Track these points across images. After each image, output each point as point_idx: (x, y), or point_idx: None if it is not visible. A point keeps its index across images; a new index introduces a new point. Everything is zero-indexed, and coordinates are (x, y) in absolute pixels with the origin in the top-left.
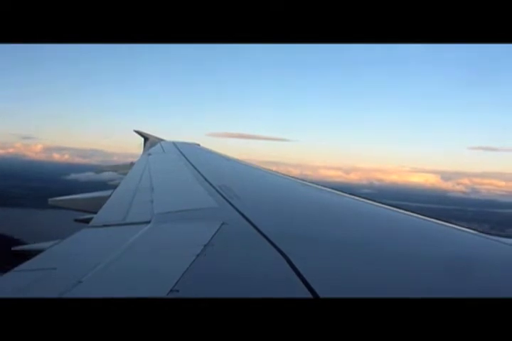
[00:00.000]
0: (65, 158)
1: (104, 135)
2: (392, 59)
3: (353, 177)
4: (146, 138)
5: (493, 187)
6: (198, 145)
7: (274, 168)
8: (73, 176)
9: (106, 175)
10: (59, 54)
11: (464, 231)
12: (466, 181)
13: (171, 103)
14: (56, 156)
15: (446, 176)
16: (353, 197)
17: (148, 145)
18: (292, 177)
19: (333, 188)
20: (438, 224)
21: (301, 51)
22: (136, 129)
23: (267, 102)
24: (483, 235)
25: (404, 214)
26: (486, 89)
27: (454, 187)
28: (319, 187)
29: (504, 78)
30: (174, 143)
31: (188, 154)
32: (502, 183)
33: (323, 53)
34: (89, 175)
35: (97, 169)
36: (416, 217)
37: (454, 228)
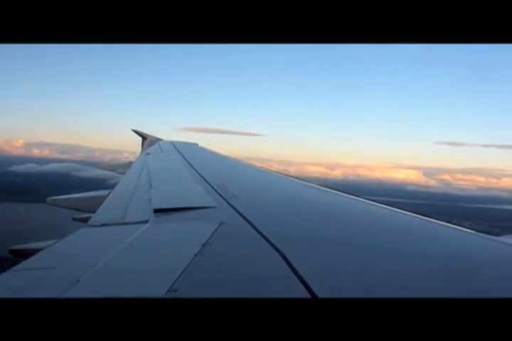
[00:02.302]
0: (45, 153)
1: (89, 131)
2: (369, 57)
3: (332, 173)
4: (144, 137)
5: (474, 183)
6: (197, 144)
7: (260, 165)
8: (14, 168)
9: (48, 167)
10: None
11: (462, 231)
12: (447, 177)
13: (140, 97)
14: (35, 151)
15: (428, 172)
16: (351, 196)
17: (146, 145)
18: (290, 176)
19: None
20: (437, 223)
21: (274, 48)
22: (134, 128)
23: (236, 97)
24: (483, 235)
25: (404, 213)
26: (446, 85)
27: (431, 182)
28: (318, 186)
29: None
30: (172, 143)
31: (186, 154)
32: (482, 179)
33: (298, 50)
34: (30, 166)
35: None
36: (415, 216)
37: (454, 228)
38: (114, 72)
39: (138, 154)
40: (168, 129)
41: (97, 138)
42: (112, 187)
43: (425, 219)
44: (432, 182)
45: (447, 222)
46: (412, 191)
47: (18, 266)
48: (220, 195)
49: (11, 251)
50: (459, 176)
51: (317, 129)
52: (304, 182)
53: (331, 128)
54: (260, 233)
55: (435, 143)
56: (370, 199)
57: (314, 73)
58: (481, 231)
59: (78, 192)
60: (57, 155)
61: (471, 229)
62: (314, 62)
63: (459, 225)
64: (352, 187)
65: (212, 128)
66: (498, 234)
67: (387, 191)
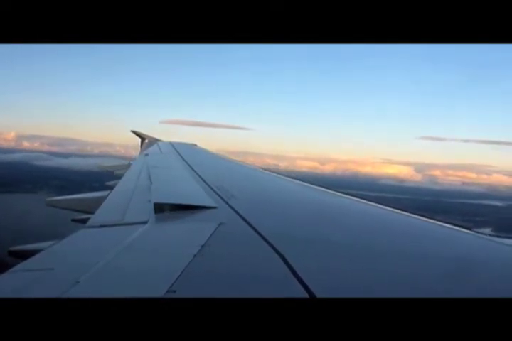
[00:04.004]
0: (35, 145)
1: (81, 124)
2: (358, 54)
3: (323, 168)
4: (142, 138)
5: (465, 179)
6: (196, 145)
7: (250, 159)
8: None
9: (12, 156)
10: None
11: (461, 231)
12: (438, 173)
13: (124, 89)
14: (25, 144)
15: (419, 168)
16: (350, 197)
17: (145, 146)
18: (289, 177)
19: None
20: (436, 224)
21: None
22: (133, 130)
23: (222, 90)
24: (482, 236)
25: (402, 214)
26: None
27: (422, 178)
28: (316, 187)
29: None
30: (171, 144)
31: (185, 155)
32: (473, 175)
33: (288, 46)
34: None
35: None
36: (413, 217)
37: (453, 229)
38: (103, 66)
39: (129, 148)
40: (154, 122)
41: (89, 131)
42: (111, 188)
43: (424, 220)
44: (420, 178)
45: (423, 215)
46: (394, 185)
47: (17, 267)
48: (219, 196)
49: (10, 252)
50: (450, 172)
51: (304, 125)
52: (303, 183)
53: (319, 124)
54: (259, 234)
55: (418, 138)
56: (349, 194)
57: (302, 70)
58: (453, 225)
59: (37, 179)
60: (46, 148)
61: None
62: (303, 58)
63: (434, 219)
64: (338, 182)
65: (199, 122)
66: (469, 228)
67: (375, 186)
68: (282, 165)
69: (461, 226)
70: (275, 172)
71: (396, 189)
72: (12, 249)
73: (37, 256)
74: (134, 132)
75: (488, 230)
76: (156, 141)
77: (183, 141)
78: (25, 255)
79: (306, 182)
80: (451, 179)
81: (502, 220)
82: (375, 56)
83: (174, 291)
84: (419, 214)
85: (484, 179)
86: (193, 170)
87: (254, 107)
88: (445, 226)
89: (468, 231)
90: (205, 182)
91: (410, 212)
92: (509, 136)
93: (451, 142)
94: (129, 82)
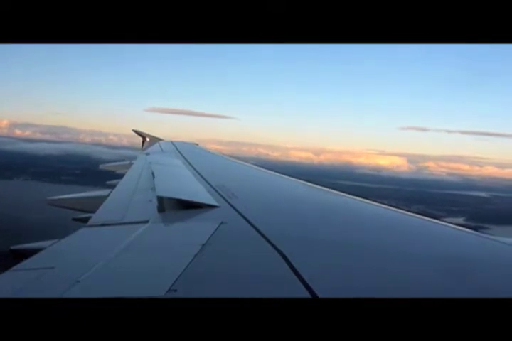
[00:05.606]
0: (26, 134)
1: (74, 113)
2: (349, 46)
3: (315, 159)
4: (144, 137)
5: (458, 171)
6: (197, 144)
7: (244, 149)
8: None
9: None
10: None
11: (461, 230)
12: (432, 164)
13: (108, 76)
14: (17, 132)
15: (412, 159)
16: (351, 196)
17: (146, 145)
18: (290, 176)
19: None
20: (438, 224)
21: None
22: (134, 129)
23: (206, 78)
24: (482, 235)
25: (403, 213)
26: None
27: (412, 169)
28: (317, 186)
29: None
30: (173, 143)
31: (186, 154)
32: (466, 167)
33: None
34: None
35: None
36: (414, 216)
37: (454, 228)
38: (87, 54)
39: (121, 136)
40: (139, 110)
41: (83, 120)
42: (112, 187)
43: (424, 219)
44: (414, 169)
45: (396, 206)
46: (390, 177)
47: (18, 266)
48: (221, 195)
49: (11, 251)
50: (443, 163)
51: (291, 116)
52: (304, 183)
53: (306, 115)
54: (261, 233)
55: (400, 128)
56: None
57: (288, 60)
58: (426, 215)
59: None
60: (38, 136)
61: (417, 213)
62: (291, 48)
63: (409, 209)
64: (330, 173)
65: (181, 110)
66: (441, 217)
67: (363, 177)
68: (275, 155)
69: (431, 216)
70: (265, 166)
71: (392, 180)
72: (13, 247)
73: (38, 255)
74: (136, 131)
75: (460, 219)
76: (157, 140)
77: (171, 128)
78: (26, 254)
79: (296, 173)
80: (444, 170)
81: (481, 210)
82: (363, 49)
83: (175, 290)
84: (416, 212)
85: (477, 170)
86: (194, 169)
87: (237, 96)
88: (446, 226)
89: (470, 230)
90: (207, 181)
91: (410, 211)
92: (495, 127)
93: (435, 132)
94: (112, 69)
